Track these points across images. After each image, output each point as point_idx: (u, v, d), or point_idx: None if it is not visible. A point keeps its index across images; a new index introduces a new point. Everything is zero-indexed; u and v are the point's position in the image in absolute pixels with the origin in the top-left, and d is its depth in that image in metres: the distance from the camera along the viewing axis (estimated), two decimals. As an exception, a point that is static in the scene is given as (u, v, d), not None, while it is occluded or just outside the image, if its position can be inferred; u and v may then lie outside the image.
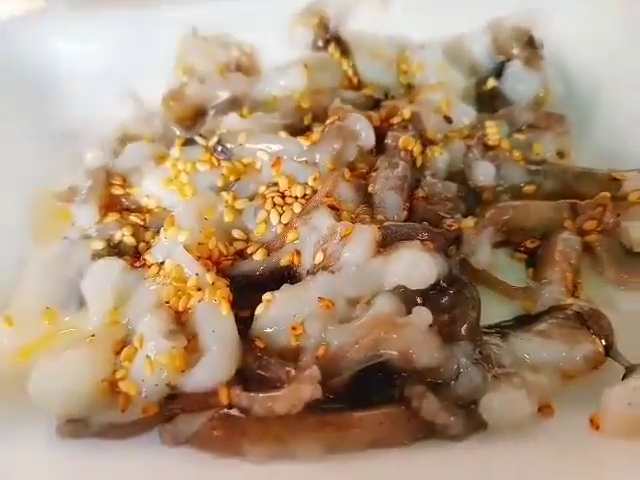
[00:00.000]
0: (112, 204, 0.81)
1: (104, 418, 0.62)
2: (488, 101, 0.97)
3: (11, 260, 0.80)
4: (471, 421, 0.58)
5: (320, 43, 0.97)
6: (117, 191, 0.82)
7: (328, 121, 0.79)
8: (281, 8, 0.99)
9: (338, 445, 0.58)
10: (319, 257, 0.68)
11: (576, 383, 0.64)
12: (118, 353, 0.66)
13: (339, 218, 0.71)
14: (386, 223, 0.71)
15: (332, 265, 0.67)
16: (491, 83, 0.97)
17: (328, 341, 0.61)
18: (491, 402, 0.58)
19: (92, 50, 1.03)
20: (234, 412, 0.60)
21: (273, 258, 0.72)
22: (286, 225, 0.73)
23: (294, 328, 0.63)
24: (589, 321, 0.67)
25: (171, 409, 0.62)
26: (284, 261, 0.71)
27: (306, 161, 0.77)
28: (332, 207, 0.72)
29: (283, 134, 0.77)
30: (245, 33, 1.01)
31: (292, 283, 0.71)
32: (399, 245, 0.66)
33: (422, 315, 0.62)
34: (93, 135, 0.98)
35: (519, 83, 0.95)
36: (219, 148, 0.79)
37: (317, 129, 0.78)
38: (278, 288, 0.69)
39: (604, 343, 0.66)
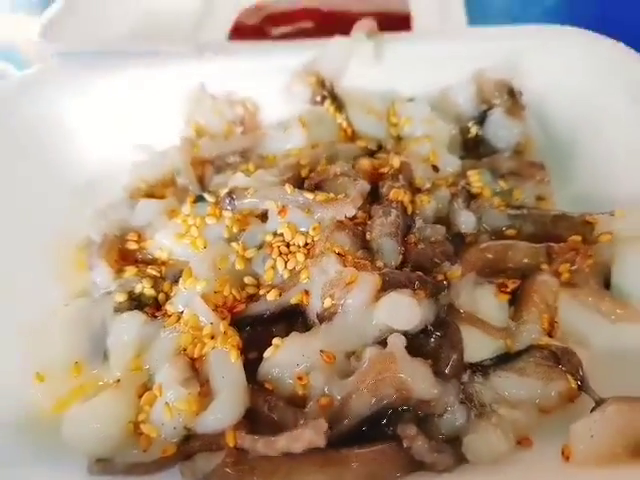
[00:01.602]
0: (128, 257, 0.88)
1: (129, 457, 0.69)
2: (472, 147, 1.04)
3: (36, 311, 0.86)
4: (455, 457, 0.64)
5: (317, 98, 1.04)
6: (132, 246, 0.89)
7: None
8: (281, 67, 1.06)
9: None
10: (327, 302, 0.74)
11: (553, 416, 0.71)
12: (141, 396, 0.73)
13: (344, 263, 0.77)
14: (385, 270, 0.77)
15: (337, 311, 0.74)
16: (475, 130, 1.04)
17: (331, 394, 0.67)
18: (472, 443, 0.65)
19: (104, 105, 1.11)
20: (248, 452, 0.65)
21: (284, 297, 0.79)
22: (294, 269, 0.80)
23: (300, 378, 0.69)
24: (562, 360, 0.73)
25: (188, 449, 0.68)
26: (294, 299, 0.78)
27: (308, 210, 0.84)
28: (338, 253, 0.79)
29: (289, 188, 0.85)
30: (248, 89, 1.09)
31: (301, 321, 0.78)
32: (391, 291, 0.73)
33: (396, 342, 0.69)
34: (108, 186, 1.04)
35: (501, 130, 1.02)
36: (227, 200, 0.86)
37: (319, 195, 0.85)
38: (289, 324, 0.77)
39: (577, 379, 0.71)
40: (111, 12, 1.39)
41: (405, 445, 0.64)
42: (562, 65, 1.06)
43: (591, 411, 0.68)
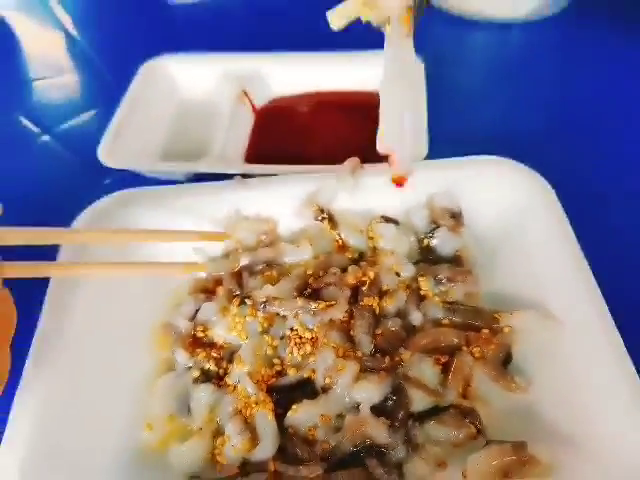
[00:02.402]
0: (198, 343, 1.16)
1: (210, 474, 0.99)
2: (425, 254, 1.28)
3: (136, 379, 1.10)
4: (399, 478, 0.93)
5: (319, 219, 1.33)
6: (200, 334, 1.17)
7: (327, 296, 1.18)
8: (293, 194, 1.30)
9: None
10: (327, 380, 1.02)
11: (461, 448, 0.98)
12: (215, 437, 1.02)
13: (337, 354, 1.05)
14: (363, 358, 1.06)
15: (332, 386, 1.03)
16: (426, 242, 1.28)
17: (328, 440, 0.99)
18: (409, 469, 0.96)
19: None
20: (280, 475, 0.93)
21: (300, 373, 1.06)
22: (305, 354, 1.09)
23: (310, 430, 0.97)
24: (468, 415, 1.00)
25: (245, 471, 0.97)
26: (306, 374, 1.04)
27: (313, 313, 1.13)
28: (333, 346, 1.07)
29: (300, 300, 1.15)
30: (270, 210, 1.32)
31: (310, 389, 1.06)
32: (365, 377, 1.02)
33: (365, 410, 1.01)
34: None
35: (445, 242, 1.26)
36: (262, 306, 1.21)
37: (321, 304, 1.15)
38: (305, 392, 1.05)
39: (476, 427, 0.99)
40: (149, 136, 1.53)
41: (370, 470, 0.93)
42: (490, 189, 1.24)
43: (483, 446, 0.93)
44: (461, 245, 1.25)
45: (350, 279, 1.16)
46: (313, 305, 1.11)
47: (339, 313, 1.11)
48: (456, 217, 1.35)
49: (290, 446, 0.98)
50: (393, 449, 0.97)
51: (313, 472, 0.92)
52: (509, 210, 1.21)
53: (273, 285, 1.15)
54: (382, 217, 1.35)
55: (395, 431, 0.98)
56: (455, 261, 1.24)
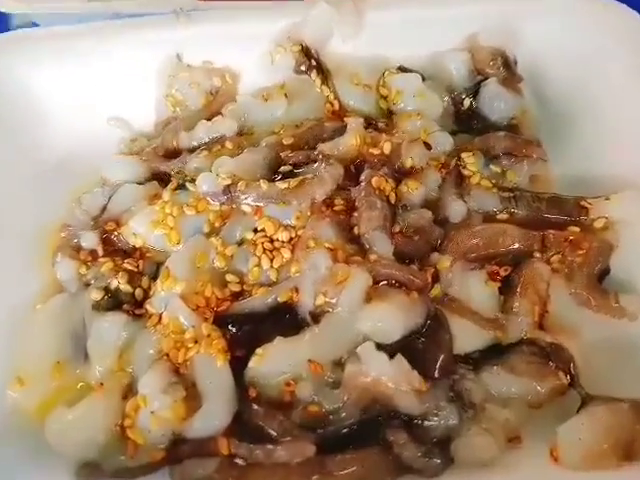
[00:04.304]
0: (108, 252, 0.84)
1: (116, 462, 0.69)
2: (466, 121, 1.00)
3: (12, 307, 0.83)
4: (443, 461, 0.65)
5: (302, 68, 0.98)
6: (110, 232, 0.86)
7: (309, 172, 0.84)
8: (262, 33, 1.00)
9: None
10: (320, 300, 0.73)
11: (541, 412, 0.72)
12: (125, 398, 0.73)
13: (336, 259, 0.76)
14: (378, 266, 0.75)
15: (329, 310, 0.73)
16: (468, 103, 0.99)
17: (319, 402, 0.67)
18: (461, 447, 0.66)
19: (73, 77, 1.03)
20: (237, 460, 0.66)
21: (272, 294, 0.76)
22: (281, 267, 0.78)
23: (288, 384, 0.69)
24: (552, 356, 0.74)
25: (177, 453, 0.68)
26: (283, 297, 0.76)
27: (283, 202, 0.81)
28: (329, 248, 0.77)
29: (264, 184, 0.81)
30: (226, 58, 1.02)
31: (289, 319, 0.75)
32: (381, 296, 0.72)
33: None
34: (80, 166, 0.99)
35: (495, 101, 0.98)
36: (225, 194, 0.83)
37: (293, 181, 0.82)
38: (279, 325, 0.75)
39: (567, 376, 0.72)
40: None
41: (395, 451, 0.65)
42: (561, 32, 1.00)
43: (578, 409, 0.69)
44: (519, 108, 1.00)
45: (350, 150, 0.88)
46: (282, 185, 0.82)
47: (322, 191, 0.81)
48: (510, 66, 1.01)
49: (250, 414, 0.69)
50: (433, 415, 0.68)
51: (297, 455, 0.63)
52: (589, 59, 0.99)
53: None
54: (400, 68, 1.02)
55: (433, 386, 0.69)
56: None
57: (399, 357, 0.69)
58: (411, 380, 0.67)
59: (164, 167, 0.92)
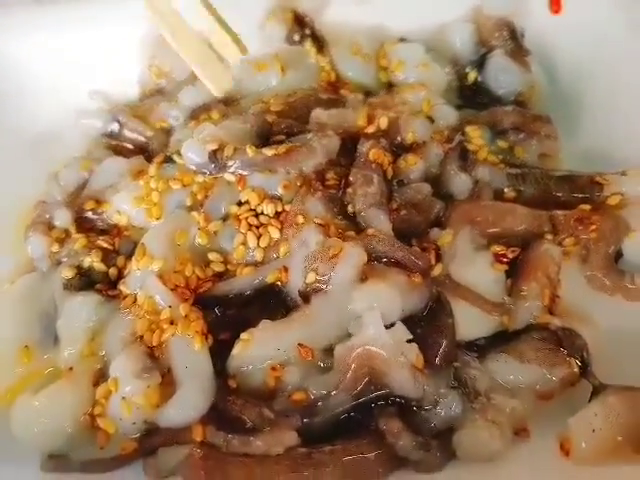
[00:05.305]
0: (83, 225, 0.80)
1: (85, 454, 0.64)
2: (470, 96, 0.96)
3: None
4: (444, 455, 0.59)
5: (296, 38, 0.94)
6: (89, 212, 0.80)
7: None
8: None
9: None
10: (311, 277, 0.68)
11: (550, 402, 0.67)
12: (96, 384, 0.68)
13: (327, 233, 0.70)
14: (374, 242, 0.70)
15: (321, 288, 0.67)
16: (473, 76, 0.95)
17: (307, 388, 0.62)
18: (464, 440, 0.60)
19: (54, 46, 1.00)
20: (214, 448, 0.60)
21: (259, 275, 0.71)
22: (268, 246, 0.73)
23: (274, 369, 0.64)
24: (564, 342, 0.69)
25: (150, 444, 0.63)
26: (270, 278, 0.71)
27: (269, 170, 0.75)
28: (320, 224, 0.71)
29: (250, 151, 0.76)
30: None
31: (277, 302, 0.71)
32: (378, 275, 0.67)
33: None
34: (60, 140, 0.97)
35: (502, 74, 0.93)
36: (212, 160, 0.77)
37: (281, 147, 0.77)
38: (264, 308, 0.71)
39: (579, 364, 0.67)
40: None
41: (389, 440, 0.59)
42: (571, 2, 0.97)
43: (590, 398, 0.64)
44: (526, 82, 0.95)
45: (349, 122, 0.83)
46: (269, 152, 0.76)
47: (311, 162, 0.76)
48: (517, 38, 0.98)
49: (229, 404, 0.63)
50: (433, 403, 0.63)
51: (277, 444, 0.58)
52: (600, 31, 0.95)
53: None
54: (402, 39, 0.99)
55: (434, 372, 0.64)
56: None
57: (399, 324, 0.63)
58: (408, 351, 0.61)
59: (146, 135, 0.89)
